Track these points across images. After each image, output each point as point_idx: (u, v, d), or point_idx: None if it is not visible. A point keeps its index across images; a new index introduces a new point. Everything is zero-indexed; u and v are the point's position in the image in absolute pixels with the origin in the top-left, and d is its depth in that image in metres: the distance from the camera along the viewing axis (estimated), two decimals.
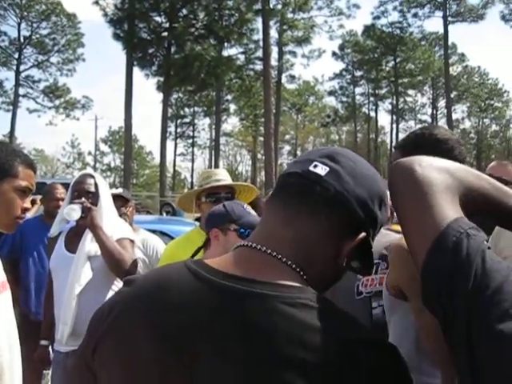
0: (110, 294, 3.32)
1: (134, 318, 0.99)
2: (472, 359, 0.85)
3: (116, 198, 4.35)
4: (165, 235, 5.42)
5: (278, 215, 1.05)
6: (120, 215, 4.11)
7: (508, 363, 0.81)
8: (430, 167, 1.06)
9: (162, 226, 5.73)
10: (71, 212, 3.21)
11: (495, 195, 1.09)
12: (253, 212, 2.59)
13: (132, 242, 3.46)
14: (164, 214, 23.62)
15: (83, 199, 3.30)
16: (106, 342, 1.02)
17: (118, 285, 3.33)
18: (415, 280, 1.56)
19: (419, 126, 67.41)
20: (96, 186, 3.46)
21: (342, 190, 1.02)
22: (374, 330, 2.51)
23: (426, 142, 1.93)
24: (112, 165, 69.52)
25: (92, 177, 3.49)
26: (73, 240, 3.44)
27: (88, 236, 3.34)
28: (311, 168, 1.04)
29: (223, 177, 3.36)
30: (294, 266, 1.00)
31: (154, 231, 5.49)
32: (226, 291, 0.95)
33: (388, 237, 2.41)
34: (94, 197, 3.40)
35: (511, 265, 0.93)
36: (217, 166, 45.14)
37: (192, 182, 67.78)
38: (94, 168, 66.64)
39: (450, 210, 0.99)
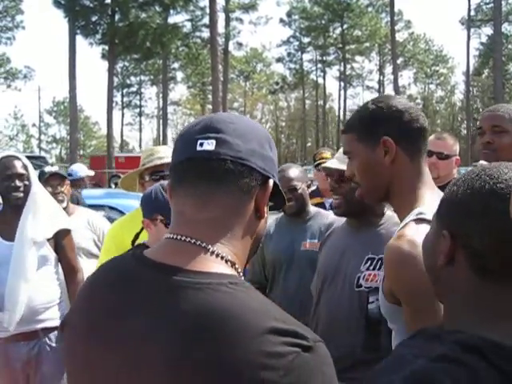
0: (57, 282, 3.29)
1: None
2: None
3: (53, 176, 4.25)
4: (114, 210, 5.30)
5: (189, 204, 1.06)
6: (58, 193, 4.04)
7: None
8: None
9: (111, 200, 5.60)
10: None
11: None
12: None
13: (70, 231, 3.39)
14: (113, 186, 23.33)
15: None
16: (69, 322, 1.09)
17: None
18: (410, 284, 1.50)
19: (367, 92, 68.06)
20: (26, 167, 3.24)
21: (238, 154, 1.05)
22: (368, 325, 2.43)
23: (386, 116, 1.68)
24: (58, 136, 68.15)
25: (19, 159, 3.26)
26: (4, 225, 3.22)
27: (28, 218, 3.15)
28: (199, 148, 1.05)
29: (166, 154, 3.19)
30: (211, 249, 1.02)
31: (102, 206, 5.39)
32: (156, 278, 0.99)
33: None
34: (27, 180, 3.21)
35: None
36: (165, 135, 44.72)
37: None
38: (39, 140, 65.12)
39: None
